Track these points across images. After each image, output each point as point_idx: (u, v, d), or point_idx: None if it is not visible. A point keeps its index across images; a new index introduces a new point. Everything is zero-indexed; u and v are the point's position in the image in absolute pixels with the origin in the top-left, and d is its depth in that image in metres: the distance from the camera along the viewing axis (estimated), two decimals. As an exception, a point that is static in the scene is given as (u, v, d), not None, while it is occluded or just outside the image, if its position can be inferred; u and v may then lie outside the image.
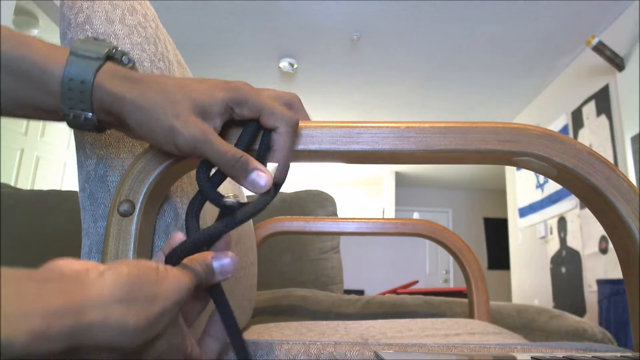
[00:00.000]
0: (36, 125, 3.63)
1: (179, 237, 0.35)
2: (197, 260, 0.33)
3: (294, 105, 0.45)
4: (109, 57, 0.37)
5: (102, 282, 0.25)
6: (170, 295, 0.28)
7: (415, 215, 6.51)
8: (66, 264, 0.26)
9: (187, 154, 0.37)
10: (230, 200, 0.36)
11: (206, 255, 0.34)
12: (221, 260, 0.34)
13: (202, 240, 0.34)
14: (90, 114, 0.36)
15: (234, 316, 0.35)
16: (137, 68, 0.41)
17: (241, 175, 0.37)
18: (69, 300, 0.23)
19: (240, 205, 0.37)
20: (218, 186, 0.38)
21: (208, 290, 0.35)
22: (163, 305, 0.27)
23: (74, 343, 0.22)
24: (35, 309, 0.21)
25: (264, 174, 0.37)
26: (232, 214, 0.36)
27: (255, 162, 0.37)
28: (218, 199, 0.37)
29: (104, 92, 0.35)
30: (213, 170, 0.38)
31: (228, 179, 0.39)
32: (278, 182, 0.40)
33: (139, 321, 0.25)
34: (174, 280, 0.29)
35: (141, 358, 0.27)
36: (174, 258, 0.33)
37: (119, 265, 0.27)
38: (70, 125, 0.38)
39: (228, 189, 0.62)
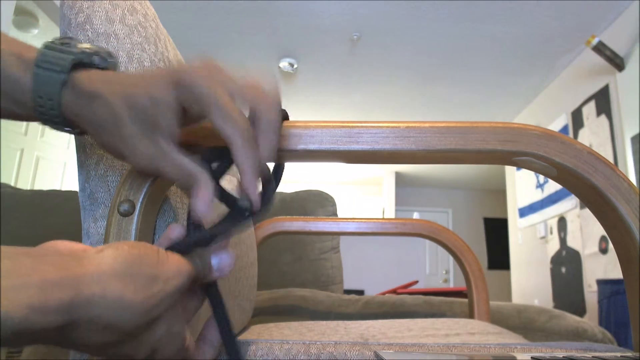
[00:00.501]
0: (36, 125, 3.63)
1: (177, 230, 0.34)
2: (195, 254, 0.33)
3: (259, 112, 0.34)
4: (77, 65, 0.35)
5: (101, 257, 0.25)
6: (169, 278, 0.27)
7: (415, 215, 6.51)
8: (63, 244, 0.26)
9: None
10: (245, 203, 0.34)
11: (204, 250, 0.34)
12: (219, 257, 0.34)
13: (207, 240, 0.34)
14: (69, 128, 0.36)
15: (228, 317, 0.35)
16: (115, 61, 0.38)
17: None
18: (66, 273, 0.22)
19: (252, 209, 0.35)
20: (220, 178, 0.37)
21: (204, 289, 0.35)
22: (162, 287, 0.27)
23: (72, 317, 0.22)
24: (33, 282, 0.21)
25: (201, 201, 0.33)
26: (242, 216, 0.35)
27: (201, 186, 0.33)
28: (228, 199, 0.36)
29: (70, 110, 0.34)
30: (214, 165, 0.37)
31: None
32: (242, 206, 0.34)
33: (137, 299, 0.25)
34: (174, 265, 0.29)
35: (139, 342, 0.27)
36: (175, 251, 0.33)
37: (120, 244, 0.27)
38: (57, 130, 0.37)
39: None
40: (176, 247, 0.33)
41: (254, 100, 0.34)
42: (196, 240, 0.33)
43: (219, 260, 0.34)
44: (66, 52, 0.35)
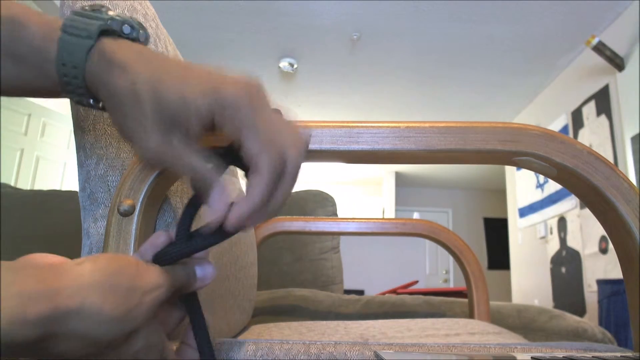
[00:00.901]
0: (36, 125, 3.63)
1: (162, 237, 0.34)
2: (178, 264, 0.33)
3: (289, 155, 0.32)
4: (104, 32, 0.33)
5: (79, 270, 0.24)
6: (148, 291, 0.27)
7: (415, 215, 6.51)
8: (41, 257, 0.26)
9: None
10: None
11: (188, 261, 0.34)
12: (203, 267, 0.33)
13: (194, 250, 0.33)
14: (91, 99, 0.34)
15: (206, 327, 0.35)
16: (147, 34, 0.36)
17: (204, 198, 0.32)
18: (45, 286, 0.22)
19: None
20: None
21: (183, 298, 0.34)
22: (141, 299, 0.26)
23: (52, 330, 0.22)
24: (11, 294, 0.20)
25: (217, 205, 0.32)
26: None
27: (215, 191, 0.32)
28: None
29: (92, 77, 0.33)
30: None
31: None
32: (229, 228, 0.32)
33: (116, 311, 0.25)
34: (154, 278, 0.28)
35: (118, 353, 0.27)
36: (162, 261, 0.32)
37: (98, 257, 0.26)
38: (79, 104, 0.36)
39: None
40: (160, 259, 0.33)
41: (287, 141, 0.32)
42: (181, 252, 0.33)
43: (203, 271, 0.33)
44: (94, 18, 0.33)
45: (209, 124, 0.32)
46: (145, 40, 0.36)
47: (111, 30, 0.34)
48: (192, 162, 0.32)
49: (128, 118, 0.32)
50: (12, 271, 0.22)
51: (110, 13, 0.34)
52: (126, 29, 0.34)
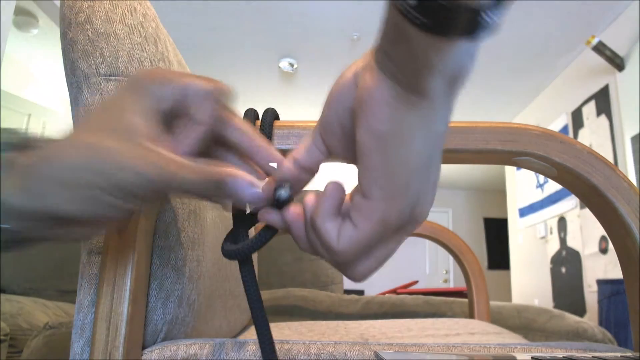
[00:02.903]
0: (36, 125, 3.63)
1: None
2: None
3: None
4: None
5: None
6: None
7: (415, 215, 6.49)
8: None
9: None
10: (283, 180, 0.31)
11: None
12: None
13: (266, 239, 0.34)
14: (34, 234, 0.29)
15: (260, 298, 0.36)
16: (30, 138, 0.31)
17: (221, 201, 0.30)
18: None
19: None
20: None
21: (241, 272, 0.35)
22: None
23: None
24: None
25: (246, 188, 0.29)
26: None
27: (236, 175, 0.29)
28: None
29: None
30: None
31: None
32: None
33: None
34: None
35: None
36: (231, 253, 0.35)
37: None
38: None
39: None
40: (231, 254, 0.34)
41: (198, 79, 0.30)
42: (253, 246, 0.34)
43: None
44: None
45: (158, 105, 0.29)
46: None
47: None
48: (193, 165, 0.28)
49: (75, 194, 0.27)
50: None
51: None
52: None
